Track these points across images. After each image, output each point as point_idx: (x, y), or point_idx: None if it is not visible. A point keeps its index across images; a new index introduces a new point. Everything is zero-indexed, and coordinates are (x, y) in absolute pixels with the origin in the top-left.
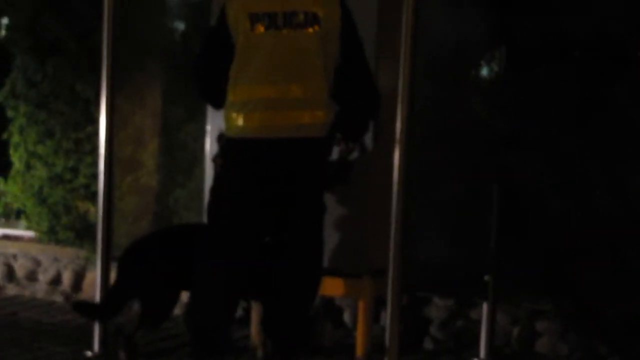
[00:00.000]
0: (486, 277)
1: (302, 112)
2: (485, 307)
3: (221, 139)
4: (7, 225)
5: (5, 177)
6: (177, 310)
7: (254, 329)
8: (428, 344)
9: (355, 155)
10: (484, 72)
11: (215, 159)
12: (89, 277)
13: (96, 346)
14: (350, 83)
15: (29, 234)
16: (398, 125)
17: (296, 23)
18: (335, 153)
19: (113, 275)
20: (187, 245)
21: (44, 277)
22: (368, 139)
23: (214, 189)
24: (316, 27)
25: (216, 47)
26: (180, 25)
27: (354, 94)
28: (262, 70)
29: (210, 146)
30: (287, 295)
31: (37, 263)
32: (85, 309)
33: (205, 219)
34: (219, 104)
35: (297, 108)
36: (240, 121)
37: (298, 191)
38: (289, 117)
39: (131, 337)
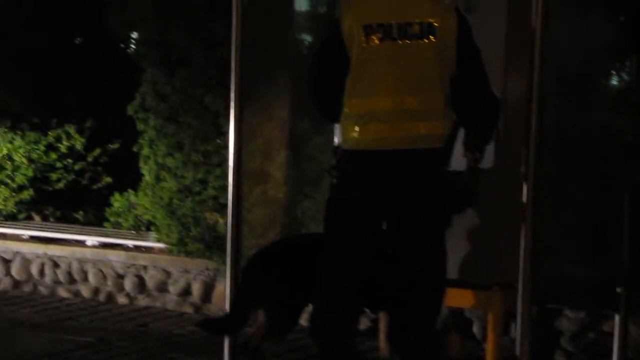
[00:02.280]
0: (618, 289)
1: (418, 124)
2: (617, 319)
3: (337, 151)
4: (137, 237)
5: (136, 190)
6: (305, 321)
7: (382, 340)
8: (559, 357)
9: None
10: (614, 81)
11: (330, 171)
12: (218, 288)
13: (226, 357)
14: (468, 92)
15: (159, 245)
16: (528, 135)
17: (411, 34)
18: (460, 164)
19: None
20: (311, 255)
21: (174, 289)
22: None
23: (330, 201)
24: (432, 38)
25: (331, 61)
26: (308, 37)
27: (473, 102)
28: (377, 83)
29: None
30: (411, 308)
31: (168, 274)
32: (212, 325)
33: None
34: (334, 118)
35: (413, 119)
36: (355, 133)
37: (416, 202)
38: (405, 128)
39: (258, 348)
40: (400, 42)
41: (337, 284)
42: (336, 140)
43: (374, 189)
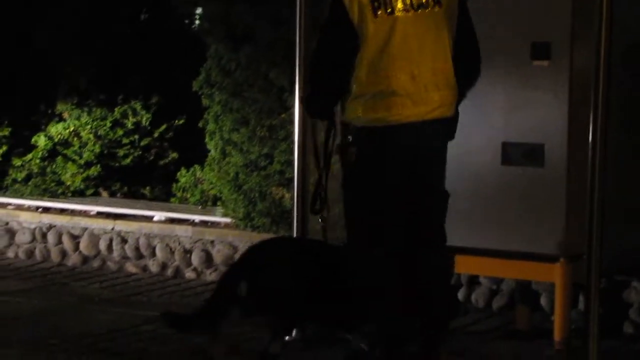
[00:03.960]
0: None
1: (433, 94)
2: None
3: (349, 128)
4: (204, 212)
5: (202, 165)
6: None
7: None
8: (627, 329)
9: None
10: None
11: (344, 148)
12: None
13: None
14: (466, 57)
15: (226, 220)
16: (594, 109)
17: (419, 4)
18: None
19: None
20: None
21: None
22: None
23: (352, 179)
24: (438, 6)
25: (340, 41)
26: None
27: (470, 67)
28: (393, 57)
29: None
30: (425, 280)
31: (234, 249)
32: (177, 322)
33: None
34: (338, 97)
35: (430, 90)
36: (378, 109)
37: (432, 168)
38: (423, 101)
39: (266, 351)
40: (409, 13)
41: (392, 272)
42: (342, 117)
43: (397, 161)
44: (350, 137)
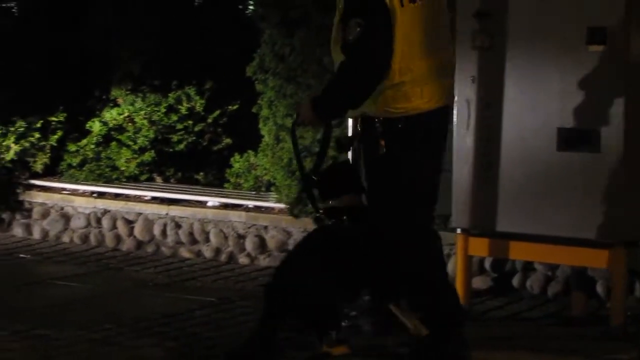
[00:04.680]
0: None
1: (449, 80)
2: None
3: (369, 121)
4: (258, 197)
5: (255, 150)
6: None
7: None
8: None
9: None
10: None
11: (369, 142)
12: None
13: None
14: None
15: (279, 206)
16: None
17: None
18: None
19: None
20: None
21: None
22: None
23: (389, 169)
24: None
25: (385, 27)
26: None
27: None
28: (422, 44)
29: None
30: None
31: (288, 234)
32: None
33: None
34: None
35: (447, 76)
36: (415, 97)
37: (443, 156)
38: (445, 85)
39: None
40: (425, 2)
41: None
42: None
43: (429, 146)
44: (378, 129)
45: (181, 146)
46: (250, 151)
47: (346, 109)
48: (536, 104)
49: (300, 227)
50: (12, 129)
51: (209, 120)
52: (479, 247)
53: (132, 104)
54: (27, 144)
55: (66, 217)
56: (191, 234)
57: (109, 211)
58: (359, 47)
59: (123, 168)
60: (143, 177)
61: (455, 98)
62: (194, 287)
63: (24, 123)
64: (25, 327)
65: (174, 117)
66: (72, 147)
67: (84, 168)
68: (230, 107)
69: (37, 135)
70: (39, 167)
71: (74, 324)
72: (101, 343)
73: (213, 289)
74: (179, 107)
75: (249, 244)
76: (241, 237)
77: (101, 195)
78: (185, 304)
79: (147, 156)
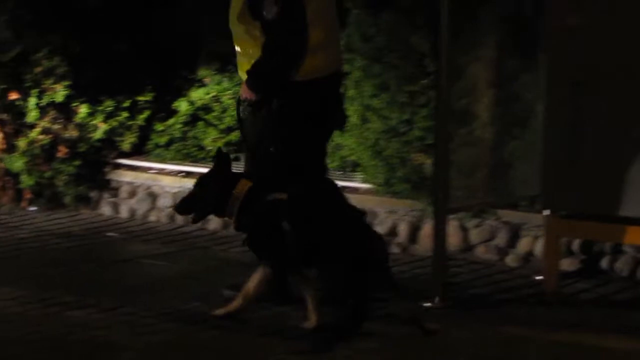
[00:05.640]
0: None
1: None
2: None
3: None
4: (344, 177)
5: (342, 131)
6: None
7: None
8: None
9: None
10: None
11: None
12: (425, 229)
13: (437, 298)
14: None
15: (366, 186)
16: None
17: None
18: None
19: (451, 228)
20: None
21: (381, 229)
22: None
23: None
24: None
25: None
26: None
27: None
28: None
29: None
30: None
31: (374, 215)
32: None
33: None
34: None
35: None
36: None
37: None
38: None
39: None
40: None
41: None
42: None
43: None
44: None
45: None
46: (336, 131)
47: (273, 83)
48: None
49: (387, 208)
50: (101, 108)
51: None
52: (568, 228)
53: (218, 84)
54: (115, 123)
55: (153, 196)
56: None
57: None
58: (279, 25)
59: (209, 148)
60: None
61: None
62: None
63: (112, 102)
64: (113, 304)
65: None
66: (159, 127)
67: (171, 147)
68: None
69: (125, 114)
70: (126, 146)
71: (161, 302)
72: (189, 321)
73: None
74: None
75: None
76: None
77: (188, 174)
78: None
79: (234, 136)
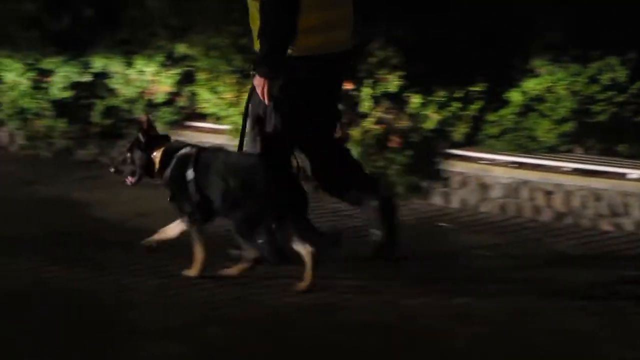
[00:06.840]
0: None
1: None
2: None
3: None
4: None
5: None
6: None
7: None
8: None
9: None
10: None
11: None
12: None
13: None
14: None
15: None
16: None
17: None
18: None
19: None
20: None
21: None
22: None
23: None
24: None
25: None
26: None
27: None
28: None
29: None
30: None
31: None
32: None
33: None
34: None
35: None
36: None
37: None
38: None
39: None
40: None
41: None
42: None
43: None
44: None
45: (602, 117)
46: None
47: (278, 61)
48: None
49: None
50: (433, 98)
51: (632, 91)
52: None
53: (552, 74)
54: (447, 114)
55: (484, 187)
56: (611, 206)
57: (527, 181)
58: (268, 5)
59: (542, 139)
60: (562, 148)
61: None
62: (615, 260)
63: (445, 93)
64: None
65: (595, 88)
66: (491, 117)
67: (503, 138)
68: None
69: (457, 105)
70: (458, 136)
71: (493, 293)
72: (520, 313)
73: (636, 264)
74: (600, 77)
75: None
76: None
77: (520, 165)
78: (607, 278)
79: (567, 127)
